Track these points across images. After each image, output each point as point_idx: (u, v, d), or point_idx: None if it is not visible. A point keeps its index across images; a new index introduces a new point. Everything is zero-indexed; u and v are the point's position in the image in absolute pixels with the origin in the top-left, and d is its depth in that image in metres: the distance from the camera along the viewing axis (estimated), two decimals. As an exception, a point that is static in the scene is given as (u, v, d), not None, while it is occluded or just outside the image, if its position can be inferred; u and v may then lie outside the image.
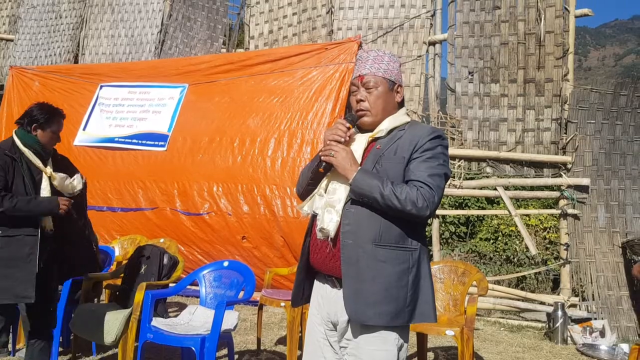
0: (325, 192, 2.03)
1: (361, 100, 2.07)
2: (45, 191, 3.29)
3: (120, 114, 7.61)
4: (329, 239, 1.98)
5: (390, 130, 2.06)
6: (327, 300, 2.07)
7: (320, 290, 2.11)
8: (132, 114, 7.54)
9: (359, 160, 2.00)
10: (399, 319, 1.92)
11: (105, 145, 7.42)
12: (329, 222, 1.97)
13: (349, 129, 2.04)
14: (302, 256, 2.14)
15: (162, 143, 7.08)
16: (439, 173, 1.96)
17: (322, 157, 2.01)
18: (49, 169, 3.35)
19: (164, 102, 7.42)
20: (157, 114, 7.38)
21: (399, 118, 2.09)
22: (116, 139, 7.39)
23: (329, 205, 1.99)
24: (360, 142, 2.06)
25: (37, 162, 3.32)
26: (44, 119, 3.36)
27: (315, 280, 2.16)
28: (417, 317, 1.96)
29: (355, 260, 1.93)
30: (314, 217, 2.07)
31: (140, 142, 7.24)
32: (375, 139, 2.06)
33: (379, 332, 1.94)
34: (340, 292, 1.98)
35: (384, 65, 2.08)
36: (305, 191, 2.15)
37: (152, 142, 7.16)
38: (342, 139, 2.01)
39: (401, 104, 2.14)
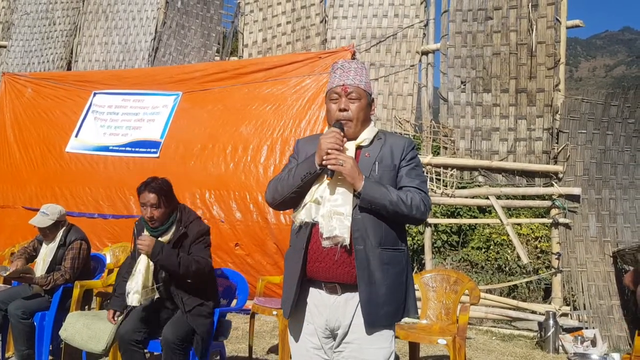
0: (322, 200, 2.03)
1: (344, 110, 2.11)
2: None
3: (114, 122, 7.59)
4: (339, 245, 1.99)
5: (372, 140, 2.15)
6: (324, 308, 2.07)
7: (315, 299, 2.10)
8: (126, 122, 7.51)
9: None
10: (397, 317, 2.05)
11: (98, 154, 7.39)
12: (341, 228, 1.98)
13: (343, 137, 2.08)
14: (295, 266, 2.09)
15: (155, 150, 7.07)
16: (425, 180, 2.14)
17: (329, 166, 1.99)
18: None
19: (158, 110, 7.41)
20: (151, 122, 7.36)
21: (374, 129, 2.20)
22: (110, 148, 7.36)
23: (335, 213, 2.00)
24: (350, 150, 2.11)
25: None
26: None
27: (310, 289, 2.12)
28: (405, 313, 2.09)
29: (367, 264, 2.00)
30: (309, 226, 2.05)
31: (134, 149, 7.22)
32: (359, 147, 2.14)
33: (381, 332, 2.03)
34: (340, 297, 2.04)
35: (365, 79, 2.17)
36: (283, 200, 2.15)
37: (145, 150, 7.15)
38: (341, 147, 2.05)
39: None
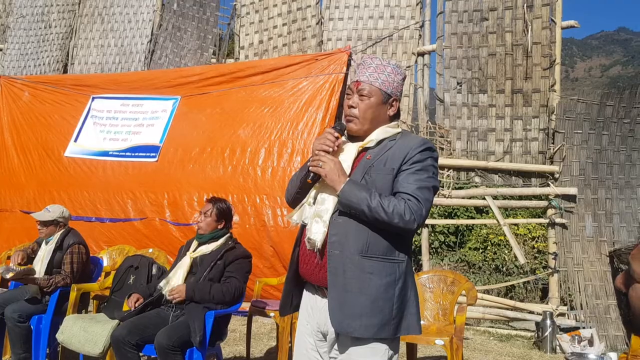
0: (314, 202, 2.03)
1: (352, 107, 2.07)
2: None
3: (114, 128, 7.59)
4: (316, 249, 1.98)
5: (381, 141, 2.05)
6: (316, 311, 2.06)
7: (310, 301, 2.11)
8: (126, 127, 7.52)
9: (349, 170, 2.00)
10: (384, 331, 1.92)
11: (98, 158, 7.39)
12: (316, 232, 1.96)
13: (337, 138, 2.04)
14: (291, 266, 2.14)
15: (154, 154, 7.07)
16: (427, 186, 1.96)
17: (310, 168, 2.00)
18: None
19: (157, 115, 7.41)
20: (150, 127, 7.37)
21: (389, 129, 2.08)
22: (110, 153, 7.37)
23: (317, 216, 1.99)
24: (350, 151, 2.06)
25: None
26: None
27: (304, 290, 2.16)
28: (403, 329, 1.97)
29: (342, 271, 1.93)
30: (304, 226, 2.07)
31: (133, 154, 7.23)
32: (365, 149, 2.06)
33: (368, 344, 1.93)
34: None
35: (383, 76, 2.06)
36: (293, 199, 2.16)
37: (144, 154, 7.16)
38: (331, 149, 2.00)
39: (395, 117, 2.13)
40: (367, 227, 1.93)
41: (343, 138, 2.09)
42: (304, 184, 2.07)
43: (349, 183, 1.93)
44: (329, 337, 2.03)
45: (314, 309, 2.08)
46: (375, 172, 1.98)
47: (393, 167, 1.98)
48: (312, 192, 2.06)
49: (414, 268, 8.49)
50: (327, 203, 1.99)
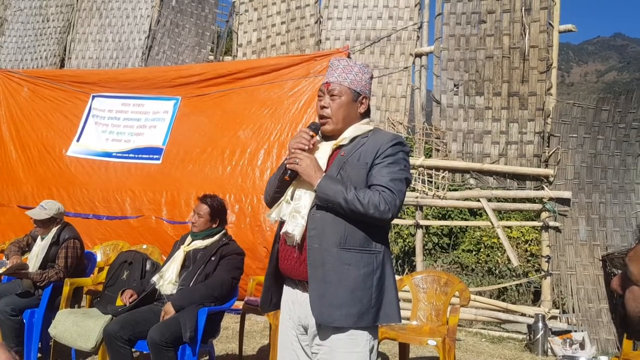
0: (291, 199, 2.09)
1: (324, 107, 2.13)
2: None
3: (116, 128, 7.58)
4: (296, 244, 2.04)
5: (354, 138, 2.12)
6: (297, 305, 2.11)
7: (291, 296, 2.15)
8: (129, 128, 7.52)
9: (324, 167, 2.07)
10: (364, 320, 1.97)
11: (101, 159, 7.38)
12: (295, 227, 2.02)
13: (312, 137, 2.11)
14: (271, 262, 2.19)
15: (157, 156, 7.08)
16: (400, 178, 2.04)
17: (287, 165, 2.06)
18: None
19: (159, 116, 7.42)
20: (153, 129, 7.38)
21: (361, 127, 2.16)
22: (114, 154, 7.36)
23: (295, 211, 2.05)
24: (324, 149, 2.13)
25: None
26: None
27: (284, 286, 2.20)
28: (382, 317, 2.02)
29: (321, 263, 1.98)
30: (282, 224, 2.12)
31: (137, 156, 7.24)
32: (339, 147, 2.13)
33: (349, 334, 1.98)
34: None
35: (351, 76, 2.13)
36: (272, 199, 2.21)
37: (148, 156, 7.17)
38: (306, 147, 2.07)
39: (365, 115, 2.20)
40: (344, 220, 1.99)
41: (317, 137, 2.16)
42: (282, 182, 2.14)
43: (325, 178, 2.00)
44: (310, 331, 2.07)
45: (295, 304, 2.13)
46: (349, 167, 2.05)
47: (367, 161, 2.05)
48: (289, 190, 2.12)
49: (408, 269, 8.48)
50: (305, 198, 2.05)
